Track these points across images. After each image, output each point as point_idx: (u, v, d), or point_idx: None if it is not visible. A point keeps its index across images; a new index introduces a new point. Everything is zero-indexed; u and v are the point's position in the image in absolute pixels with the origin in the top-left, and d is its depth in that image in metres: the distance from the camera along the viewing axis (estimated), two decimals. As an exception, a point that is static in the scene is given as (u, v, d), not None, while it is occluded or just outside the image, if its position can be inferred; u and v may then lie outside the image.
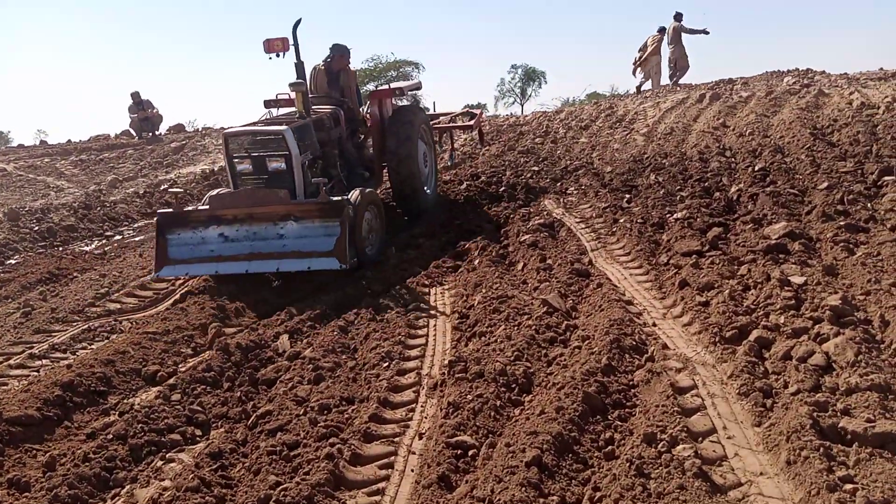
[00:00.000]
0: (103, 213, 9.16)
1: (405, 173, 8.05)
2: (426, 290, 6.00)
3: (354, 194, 6.57)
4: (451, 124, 10.82)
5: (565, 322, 4.71)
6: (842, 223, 5.72)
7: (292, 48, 7.11)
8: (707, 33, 16.30)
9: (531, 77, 67.87)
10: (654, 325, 4.64)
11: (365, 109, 8.69)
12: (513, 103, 63.14)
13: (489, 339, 4.57)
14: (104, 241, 8.27)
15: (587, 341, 4.24)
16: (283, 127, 6.66)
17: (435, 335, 4.96)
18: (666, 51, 16.76)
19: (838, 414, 3.13)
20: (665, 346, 4.17)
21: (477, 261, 6.44)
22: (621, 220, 7.17)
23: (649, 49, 16.52)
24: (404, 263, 6.65)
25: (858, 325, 3.92)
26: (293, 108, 7.48)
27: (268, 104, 8.22)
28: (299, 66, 7.31)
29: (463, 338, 4.77)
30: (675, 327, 4.55)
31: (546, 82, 64.17)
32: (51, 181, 12.08)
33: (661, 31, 16.57)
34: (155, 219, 6.68)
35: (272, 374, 4.42)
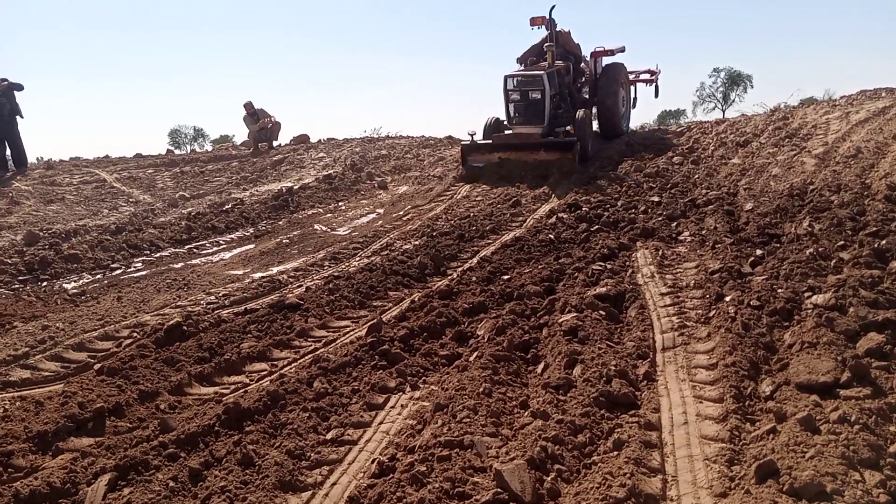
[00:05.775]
0: (125, 239, 8.07)
1: (609, 110, 12.42)
2: (381, 398, 4.00)
3: (580, 113, 11.06)
4: (636, 78, 14.05)
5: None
6: None
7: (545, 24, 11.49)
8: None
9: (735, 81, 61.76)
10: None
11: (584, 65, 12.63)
12: (713, 109, 57.77)
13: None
14: (99, 277, 7.09)
15: None
16: (541, 72, 11.03)
17: (312, 511, 2.97)
18: None
19: None
20: None
21: (476, 354, 4.30)
22: (728, 298, 4.65)
23: None
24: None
25: None
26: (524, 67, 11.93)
27: (518, 60, 12.31)
28: (551, 35, 11.54)
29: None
30: None
31: (752, 86, 58.11)
32: (137, 194, 11.48)
33: None
34: (460, 147, 11.56)
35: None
